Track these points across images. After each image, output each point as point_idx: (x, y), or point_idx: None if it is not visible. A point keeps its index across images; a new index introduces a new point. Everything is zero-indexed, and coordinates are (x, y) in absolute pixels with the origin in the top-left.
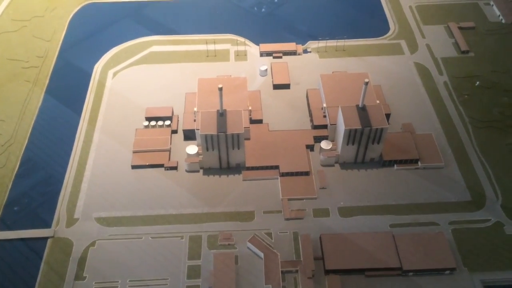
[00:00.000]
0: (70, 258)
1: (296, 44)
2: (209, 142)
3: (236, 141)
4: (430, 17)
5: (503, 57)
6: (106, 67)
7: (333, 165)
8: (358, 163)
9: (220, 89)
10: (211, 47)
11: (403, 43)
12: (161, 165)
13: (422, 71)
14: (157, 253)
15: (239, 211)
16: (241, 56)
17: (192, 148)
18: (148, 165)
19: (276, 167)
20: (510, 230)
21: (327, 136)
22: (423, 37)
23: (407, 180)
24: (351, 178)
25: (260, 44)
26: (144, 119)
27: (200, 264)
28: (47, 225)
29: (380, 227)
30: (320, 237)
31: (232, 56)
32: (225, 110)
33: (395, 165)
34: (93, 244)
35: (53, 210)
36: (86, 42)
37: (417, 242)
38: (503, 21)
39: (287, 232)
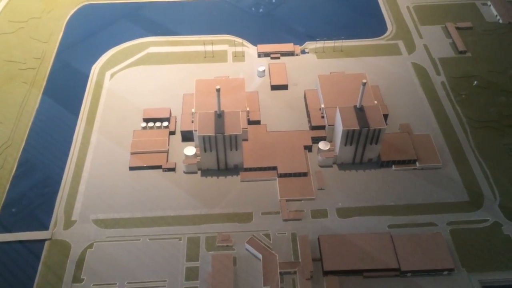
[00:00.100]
0: (68, 261)
1: (294, 44)
2: (207, 143)
3: (234, 142)
4: (427, 18)
5: (500, 57)
6: (103, 68)
7: (331, 166)
8: (356, 163)
9: (218, 90)
10: (208, 48)
11: (400, 44)
12: (159, 167)
13: (420, 71)
14: (155, 255)
15: (237, 212)
16: (239, 57)
17: (190, 150)
18: (146, 166)
19: (274, 168)
20: (508, 230)
21: (325, 137)
22: (421, 37)
23: (405, 180)
24: (349, 179)
25: (258, 45)
26: (142, 120)
27: (198, 265)
28: (45, 226)
29: (378, 228)
30: (318, 238)
31: (230, 57)
32: (223, 111)
33: (393, 166)
34: (90, 246)
35: (51, 212)
36: (83, 43)
37: (415, 243)
38: (500, 21)
39: (285, 233)
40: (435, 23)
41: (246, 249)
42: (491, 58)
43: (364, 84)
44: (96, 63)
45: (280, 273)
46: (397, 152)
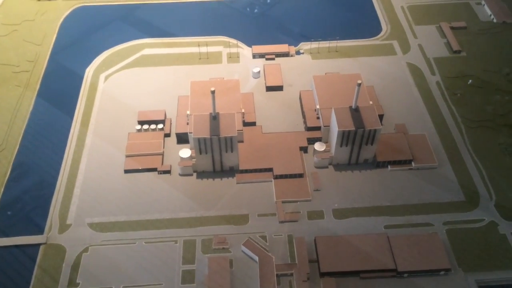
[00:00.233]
0: (63, 265)
1: (289, 45)
2: (202, 146)
3: (230, 144)
4: (422, 17)
5: (494, 56)
6: (97, 71)
7: (327, 167)
8: (352, 164)
9: (213, 92)
10: (203, 49)
11: (395, 44)
12: (154, 169)
13: (415, 71)
14: (151, 258)
15: (233, 214)
16: (233, 58)
17: (185, 152)
18: (141, 169)
19: (270, 169)
20: (504, 229)
21: (321, 137)
22: (415, 37)
23: (401, 181)
24: (345, 179)
25: (253, 46)
26: (137, 122)
27: (195, 268)
28: (41, 229)
29: (374, 229)
30: (314, 240)
31: (224, 58)
32: (218, 113)
33: (389, 166)
34: (86, 250)
35: (46, 215)
36: (77, 45)
37: (411, 243)
38: (495, 20)
39: (281, 235)
40: (430, 23)
41: (243, 252)
42: (486, 57)
43: (359, 84)
44: (90, 65)
45: (277, 275)
46: (392, 153)
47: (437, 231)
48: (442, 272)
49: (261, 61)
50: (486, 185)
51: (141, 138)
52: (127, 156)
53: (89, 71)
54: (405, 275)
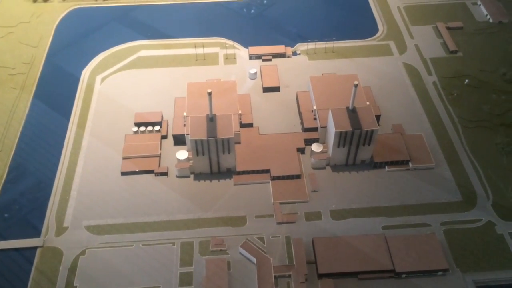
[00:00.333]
0: (60, 268)
1: (285, 46)
2: (199, 147)
3: (227, 145)
4: (418, 18)
5: (491, 56)
6: (94, 73)
7: (324, 168)
8: (349, 165)
9: (209, 94)
10: (200, 50)
11: (392, 44)
12: (151, 171)
13: (411, 71)
14: (148, 261)
15: (230, 216)
16: (230, 59)
17: (182, 153)
18: (138, 171)
19: (267, 171)
20: (502, 229)
21: (318, 138)
22: (412, 37)
23: (398, 181)
24: (343, 180)
25: (249, 47)
26: (134, 124)
27: (192, 270)
28: (38, 231)
29: (372, 229)
30: (312, 241)
31: (221, 59)
32: (215, 114)
33: (386, 167)
34: (83, 252)
35: (43, 217)
36: (73, 47)
37: (409, 244)
38: (491, 20)
39: (279, 237)
40: (426, 23)
41: (240, 253)
42: (482, 57)
43: (356, 85)
44: (87, 67)
45: (275, 276)
46: (390, 153)
47: (434, 231)
48: (440, 273)
49: (258, 62)
50: (483, 185)
51: (138, 140)
52: (124, 158)
53: (86, 73)
54: (403, 275)
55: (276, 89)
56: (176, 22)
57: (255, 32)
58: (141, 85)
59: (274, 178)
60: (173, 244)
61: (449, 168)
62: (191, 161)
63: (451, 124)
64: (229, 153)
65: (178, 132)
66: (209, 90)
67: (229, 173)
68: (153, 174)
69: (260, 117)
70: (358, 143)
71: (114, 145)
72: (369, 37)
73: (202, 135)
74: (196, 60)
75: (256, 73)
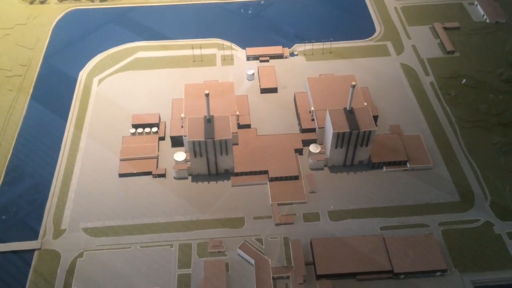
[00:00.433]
0: (58, 270)
1: (283, 47)
2: (197, 149)
3: (224, 147)
4: (415, 18)
5: (488, 56)
6: (91, 74)
7: (322, 169)
8: (347, 166)
9: (207, 95)
10: (197, 52)
11: (389, 45)
12: (149, 173)
13: (409, 72)
14: (146, 263)
15: (228, 217)
16: (227, 60)
17: (180, 155)
18: (136, 173)
19: (265, 172)
20: (500, 229)
21: (316, 139)
22: (409, 38)
23: (396, 182)
24: (341, 181)
25: (247, 48)
26: (131, 126)
27: (191, 272)
28: (36, 233)
29: (370, 230)
30: (310, 242)
31: (218, 60)
32: (212, 115)
33: (384, 167)
34: (81, 255)
35: (41, 219)
36: (70, 49)
37: (407, 245)
38: (488, 20)
39: (277, 238)
40: (423, 24)
41: (238, 255)
42: (479, 57)
43: (353, 86)
44: (84, 69)
45: (273, 278)
46: (387, 154)
47: (432, 231)
48: (439, 273)
49: (255, 63)
50: (481, 186)
51: (135, 141)
52: (122, 160)
53: (83, 75)
54: (402, 276)
55: (273, 90)
56: (173, 24)
57: (253, 33)
58: (138, 86)
59: (272, 179)
60: (171, 246)
61: (446, 168)
62: (189, 163)
63: (449, 124)
64: (227, 155)
65: (175, 133)
66: (206, 92)
67: (227, 174)
68: (151, 176)
69: (257, 118)
70: (356, 143)
71: (111, 147)
72: (366, 38)
73: (200, 136)
74: (194, 61)
75: (253, 74)
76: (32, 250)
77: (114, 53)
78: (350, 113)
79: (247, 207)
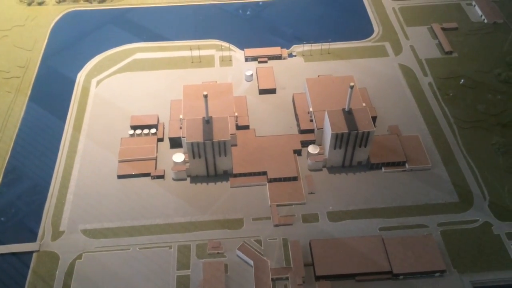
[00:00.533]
0: (57, 272)
1: (281, 48)
2: (195, 150)
3: (223, 148)
4: (413, 19)
5: (486, 56)
6: (89, 76)
7: (321, 170)
8: (346, 166)
9: (205, 96)
10: (195, 53)
11: (387, 45)
12: (147, 174)
13: (407, 72)
14: (145, 264)
15: (227, 218)
16: (226, 61)
17: (178, 156)
18: (134, 174)
19: (264, 173)
20: (498, 230)
21: (314, 140)
22: (407, 38)
23: (394, 182)
24: (339, 182)
25: (245, 49)
26: (130, 127)
27: (189, 274)
28: (34, 235)
29: (369, 231)
30: (309, 243)
31: (217, 61)
32: (211, 117)
33: (383, 168)
34: (79, 257)
35: (39, 220)
36: (68, 50)
37: (406, 245)
38: (485, 21)
39: (276, 239)
40: (421, 24)
41: (238, 256)
42: (477, 58)
43: (352, 87)
44: (82, 70)
45: (272, 279)
46: (386, 154)
47: (431, 232)
48: (438, 274)
49: (254, 64)
50: (480, 186)
51: (134, 143)
52: (120, 161)
53: (81, 76)
54: (401, 277)
55: (272, 91)
56: (171, 25)
57: (251, 34)
58: (137, 87)
59: (270, 180)
60: (170, 247)
61: (445, 168)
62: (187, 164)
63: (447, 125)
64: (225, 156)
65: (174, 134)
66: (205, 93)
67: (225, 175)
68: (150, 177)
69: (256, 119)
70: (355, 144)
71: (110, 148)
72: (365, 38)
73: (199, 137)
74: (192, 62)
75: (252, 75)
76: (31, 252)
77: (113, 54)
78: (348, 114)
79: (246, 208)
